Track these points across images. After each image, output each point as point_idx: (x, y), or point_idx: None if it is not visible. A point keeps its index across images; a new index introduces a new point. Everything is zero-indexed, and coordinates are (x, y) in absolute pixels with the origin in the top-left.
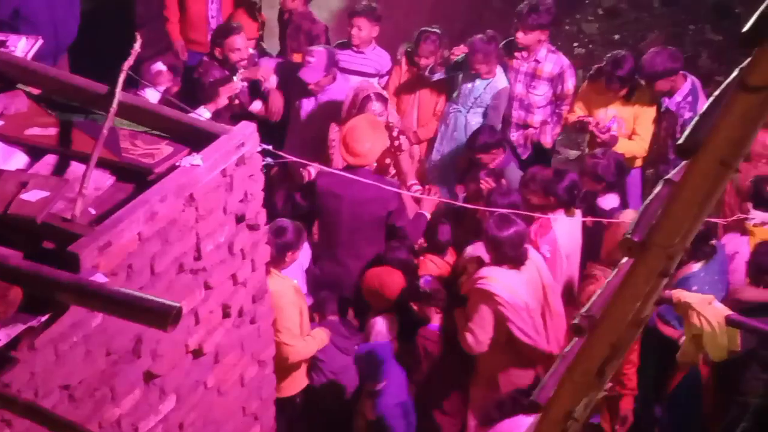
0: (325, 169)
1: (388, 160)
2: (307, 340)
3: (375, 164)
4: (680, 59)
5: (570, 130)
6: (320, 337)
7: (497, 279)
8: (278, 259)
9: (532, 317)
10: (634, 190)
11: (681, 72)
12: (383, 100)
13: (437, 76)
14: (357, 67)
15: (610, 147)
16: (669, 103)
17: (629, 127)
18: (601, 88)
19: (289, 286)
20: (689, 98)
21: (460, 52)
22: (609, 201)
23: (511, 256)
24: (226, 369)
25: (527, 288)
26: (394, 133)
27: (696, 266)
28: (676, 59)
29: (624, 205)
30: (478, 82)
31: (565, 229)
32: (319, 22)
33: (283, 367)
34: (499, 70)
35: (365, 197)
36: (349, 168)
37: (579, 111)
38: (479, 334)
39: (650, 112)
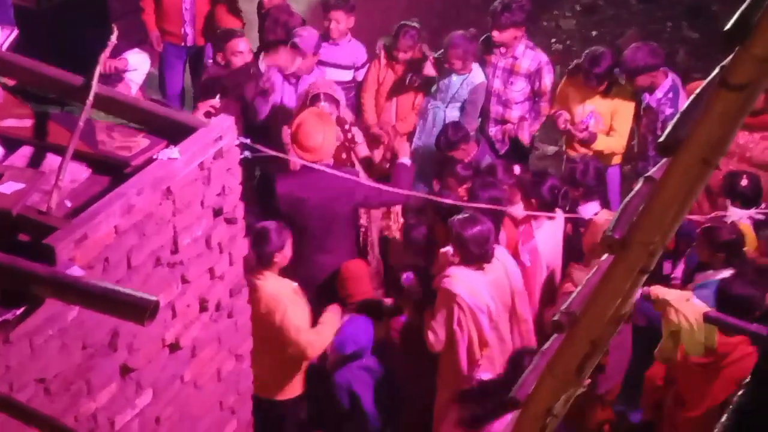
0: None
1: (344, 155)
2: (319, 329)
3: (332, 160)
4: (661, 55)
5: (548, 125)
6: (331, 320)
7: (460, 278)
8: (268, 263)
9: (494, 320)
10: (613, 187)
11: (662, 69)
12: (333, 100)
13: (416, 83)
14: (332, 59)
15: (589, 144)
16: (650, 99)
17: (606, 123)
18: (579, 84)
19: (287, 285)
20: (670, 95)
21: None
22: (590, 209)
23: (476, 254)
24: (203, 363)
25: (491, 290)
26: (346, 126)
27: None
28: (656, 55)
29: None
30: (454, 78)
31: (547, 237)
32: (296, 15)
33: (289, 368)
34: (475, 65)
35: (329, 196)
36: (305, 167)
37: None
38: (440, 332)
39: (628, 107)
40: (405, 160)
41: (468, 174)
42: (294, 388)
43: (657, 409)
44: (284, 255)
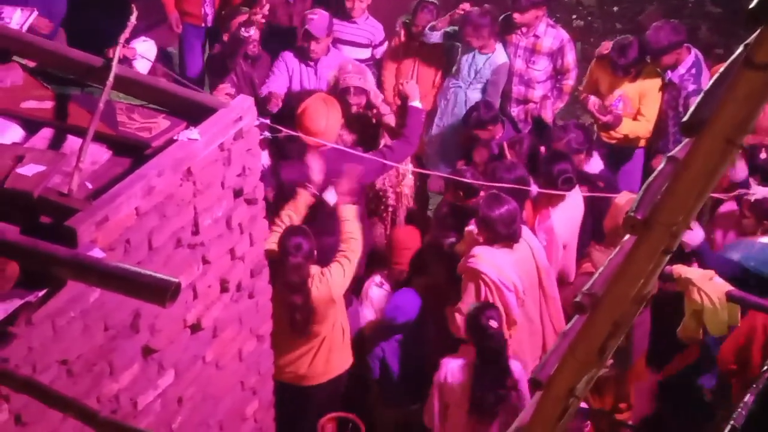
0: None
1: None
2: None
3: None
4: (683, 31)
5: (570, 104)
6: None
7: (485, 258)
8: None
9: (521, 298)
10: (637, 169)
11: (685, 45)
12: (362, 92)
13: (434, 37)
14: (349, 37)
15: (613, 128)
16: (672, 75)
17: (635, 106)
18: (607, 68)
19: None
20: (693, 70)
21: (442, 24)
22: (594, 165)
23: (504, 234)
24: (224, 343)
25: (518, 268)
26: (378, 101)
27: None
28: (679, 32)
29: (611, 166)
30: (477, 56)
31: (564, 217)
32: None
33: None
34: (498, 45)
35: (334, 180)
36: (308, 151)
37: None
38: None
39: (656, 91)
40: (416, 103)
41: (495, 155)
42: (340, 366)
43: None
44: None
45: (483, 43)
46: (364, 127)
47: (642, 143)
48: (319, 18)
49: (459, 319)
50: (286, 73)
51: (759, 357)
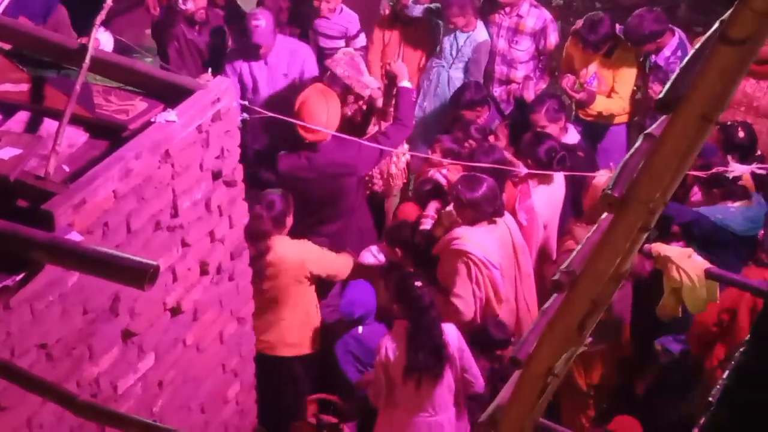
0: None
1: (359, 118)
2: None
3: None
4: (665, 20)
5: (552, 84)
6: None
7: (470, 238)
8: (280, 227)
9: (504, 276)
10: (619, 146)
11: (669, 27)
12: (334, 79)
13: (416, 11)
14: (322, 29)
15: (587, 105)
16: (657, 58)
17: (609, 84)
18: (580, 44)
19: (301, 242)
20: (678, 52)
21: None
22: (571, 137)
23: (490, 212)
24: (204, 326)
25: (499, 246)
26: (366, 93)
27: (732, 204)
28: (661, 21)
29: (592, 142)
30: (458, 35)
31: (544, 197)
32: None
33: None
34: (479, 23)
35: (333, 173)
36: (309, 145)
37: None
38: (466, 296)
39: (631, 69)
40: (405, 83)
41: (480, 137)
42: (308, 345)
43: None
44: (291, 220)
45: (466, 21)
46: (352, 116)
47: (622, 119)
48: (265, 25)
49: (460, 304)
50: (234, 76)
51: (746, 320)
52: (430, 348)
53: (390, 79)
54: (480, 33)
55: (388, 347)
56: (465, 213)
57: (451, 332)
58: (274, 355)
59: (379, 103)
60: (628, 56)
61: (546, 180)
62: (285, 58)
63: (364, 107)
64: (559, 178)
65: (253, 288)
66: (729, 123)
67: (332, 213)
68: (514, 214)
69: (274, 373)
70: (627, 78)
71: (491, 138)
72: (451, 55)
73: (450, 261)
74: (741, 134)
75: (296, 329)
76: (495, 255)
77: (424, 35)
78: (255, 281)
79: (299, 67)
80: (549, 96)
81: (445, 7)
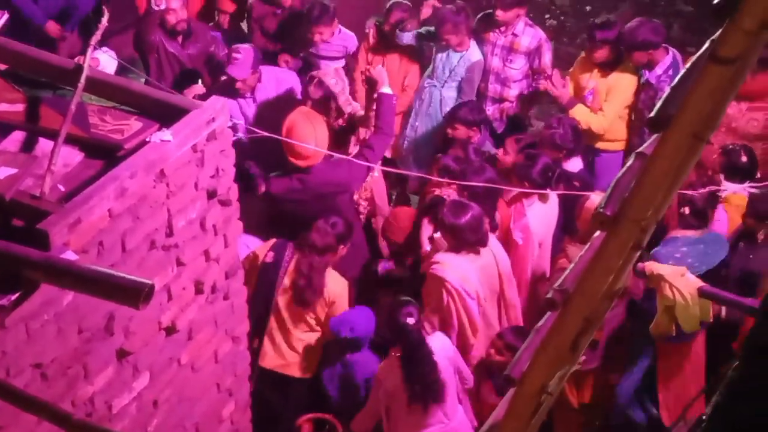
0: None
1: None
2: None
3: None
4: (662, 34)
5: (546, 103)
6: None
7: (449, 264)
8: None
9: (482, 305)
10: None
11: (663, 46)
12: (321, 84)
13: (406, 38)
14: (324, 52)
15: (562, 104)
16: (649, 76)
17: (602, 101)
18: (587, 59)
19: (344, 284)
20: (670, 71)
21: (412, 25)
22: (573, 165)
23: (472, 240)
24: (199, 345)
25: (480, 275)
26: (348, 110)
27: (690, 233)
28: (658, 33)
29: (588, 168)
30: (452, 54)
31: (539, 215)
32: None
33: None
34: (472, 43)
35: (325, 192)
36: (299, 171)
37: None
38: (434, 320)
39: (624, 91)
40: (386, 89)
41: (477, 157)
42: (315, 368)
43: None
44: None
45: (459, 39)
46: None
47: (618, 146)
48: (242, 58)
49: (427, 327)
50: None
51: None
52: (426, 382)
53: (370, 85)
54: (473, 53)
55: (385, 380)
56: (447, 238)
57: (441, 344)
58: (285, 374)
59: (360, 117)
60: (626, 78)
61: (541, 198)
62: (272, 89)
63: (343, 124)
64: (553, 196)
65: (282, 305)
66: (731, 147)
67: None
68: (509, 233)
69: (281, 393)
70: (618, 98)
71: (500, 152)
72: (443, 74)
73: (429, 283)
74: (744, 158)
75: (311, 352)
76: (473, 284)
77: (408, 56)
78: (292, 301)
79: (286, 95)
80: (570, 125)
81: (439, 24)
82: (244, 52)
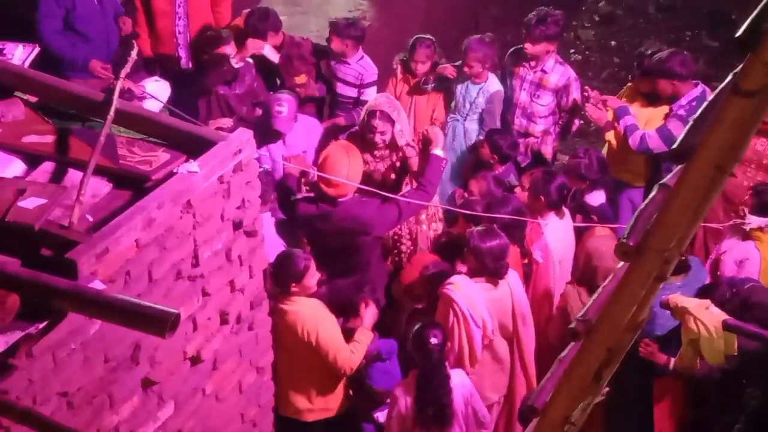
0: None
1: (393, 176)
2: (354, 346)
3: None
4: (690, 67)
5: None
6: (365, 339)
7: (461, 287)
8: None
9: (488, 336)
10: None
11: (692, 81)
12: (388, 119)
13: (431, 86)
14: (341, 74)
15: (597, 122)
16: (673, 105)
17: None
18: (633, 90)
19: (317, 304)
20: (694, 103)
21: (449, 71)
22: (596, 198)
23: (491, 268)
24: (224, 376)
25: (491, 307)
26: (401, 142)
27: (675, 279)
28: (684, 65)
29: (611, 202)
30: (470, 87)
31: (557, 233)
32: (304, 43)
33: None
34: (491, 75)
35: (348, 227)
36: (330, 199)
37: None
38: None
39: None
40: (438, 151)
41: (498, 189)
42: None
43: None
44: (305, 285)
45: (482, 71)
46: (385, 173)
47: (639, 182)
48: (287, 112)
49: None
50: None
51: None
52: (437, 406)
53: (425, 144)
54: (492, 83)
55: (403, 399)
56: (469, 259)
57: (460, 380)
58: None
59: (414, 162)
60: (665, 111)
61: (557, 214)
62: (302, 137)
63: (398, 164)
64: (568, 214)
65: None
66: (761, 187)
67: (346, 267)
68: (529, 254)
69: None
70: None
71: (518, 189)
72: (464, 107)
73: (440, 302)
74: None
75: (337, 391)
76: (480, 313)
77: (436, 90)
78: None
79: (314, 144)
80: (597, 157)
81: (467, 51)
82: (288, 104)
